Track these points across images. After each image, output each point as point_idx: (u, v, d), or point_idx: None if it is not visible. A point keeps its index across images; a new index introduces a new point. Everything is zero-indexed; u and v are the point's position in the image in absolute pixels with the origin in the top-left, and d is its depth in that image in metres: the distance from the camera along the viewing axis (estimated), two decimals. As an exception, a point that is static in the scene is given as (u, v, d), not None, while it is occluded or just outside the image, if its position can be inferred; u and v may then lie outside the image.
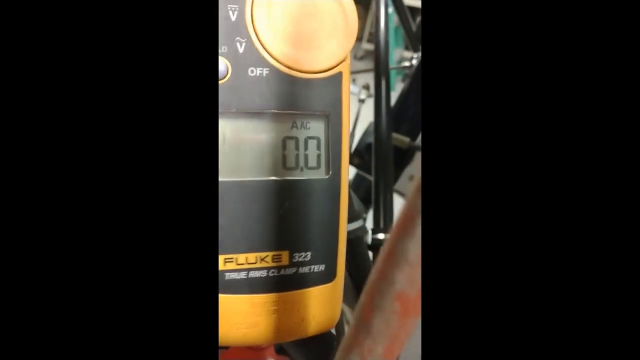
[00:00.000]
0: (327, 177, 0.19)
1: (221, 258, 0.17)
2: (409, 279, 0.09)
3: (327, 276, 0.19)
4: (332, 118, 0.19)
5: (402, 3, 0.66)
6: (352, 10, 0.19)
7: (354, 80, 1.19)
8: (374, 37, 0.54)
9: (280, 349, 0.26)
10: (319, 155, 0.19)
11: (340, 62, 0.19)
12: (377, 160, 0.47)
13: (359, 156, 0.68)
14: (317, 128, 0.19)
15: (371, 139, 0.55)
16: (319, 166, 0.19)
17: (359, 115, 0.67)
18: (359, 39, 3.35)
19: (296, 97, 0.18)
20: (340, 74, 0.19)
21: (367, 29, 3.30)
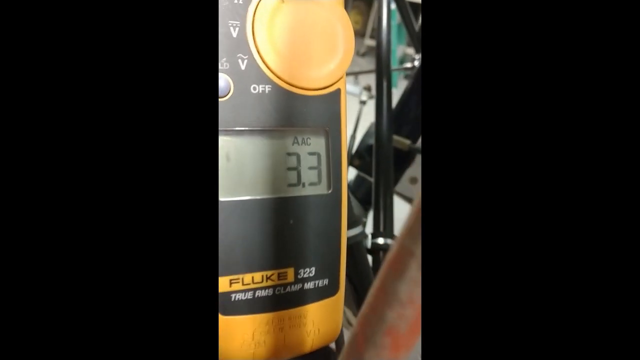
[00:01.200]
0: (328, 192, 0.19)
1: (226, 279, 0.17)
2: (399, 316, 0.09)
3: (331, 290, 0.20)
4: (332, 133, 0.19)
5: (404, 2, 0.65)
6: (349, 27, 0.19)
7: (355, 78, 1.19)
8: (376, 37, 0.54)
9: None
10: (319, 171, 0.19)
11: (339, 79, 0.19)
12: (378, 162, 0.47)
13: (360, 157, 0.68)
14: (317, 144, 0.19)
15: (372, 141, 0.55)
16: (320, 182, 0.19)
17: (360, 117, 0.67)
18: (362, 35, 3.34)
19: (297, 114, 0.18)
20: (338, 91, 0.19)
21: (370, 25, 3.29)
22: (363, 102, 0.67)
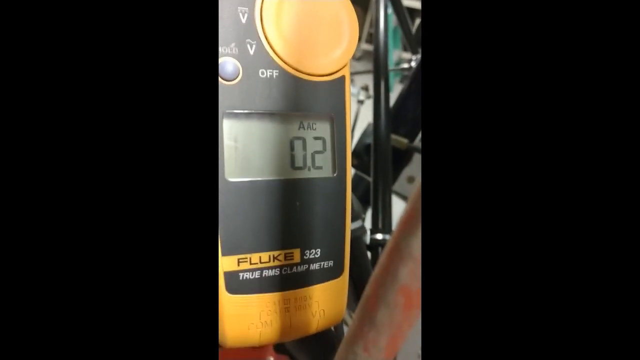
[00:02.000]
0: (334, 175, 0.20)
1: (234, 258, 0.17)
2: (412, 273, 0.09)
3: (336, 271, 0.20)
4: (337, 119, 0.20)
5: (401, 5, 0.66)
6: (353, 16, 0.19)
7: (352, 81, 1.20)
8: (373, 39, 0.55)
9: (279, 348, 0.26)
10: (325, 155, 0.20)
11: (344, 66, 0.19)
12: (376, 161, 0.47)
13: (358, 157, 0.69)
14: (323, 129, 0.20)
15: (370, 140, 0.55)
16: (325, 165, 0.20)
17: (358, 117, 0.68)
18: (358, 39, 3.35)
19: (303, 99, 0.19)
20: (343, 77, 0.20)
21: (366, 30, 3.31)
22: (361, 102, 0.68)
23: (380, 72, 0.53)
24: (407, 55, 0.71)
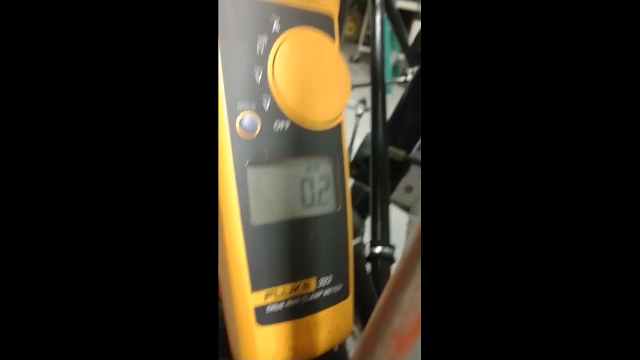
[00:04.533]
0: (338, 210, 0.22)
1: (262, 293, 0.20)
2: (404, 322, 0.12)
3: (344, 294, 0.22)
4: (337, 160, 0.22)
5: (400, 21, 0.68)
6: (346, 73, 0.22)
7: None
8: (370, 53, 0.57)
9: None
10: (329, 192, 0.22)
11: (340, 116, 0.22)
12: (375, 173, 0.49)
13: (357, 167, 0.71)
14: (326, 169, 0.22)
15: (368, 152, 0.57)
16: (330, 202, 0.22)
17: (357, 129, 0.70)
18: (356, 41, 3.38)
19: (310, 146, 0.21)
20: (340, 125, 0.22)
21: (363, 32, 3.33)
22: (359, 116, 0.70)
23: (378, 86, 0.55)
24: (404, 57, 0.73)
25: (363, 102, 0.70)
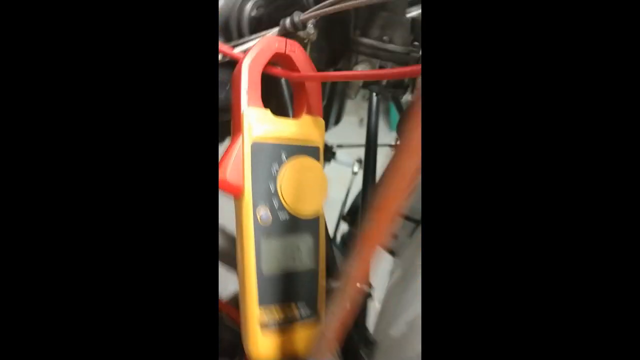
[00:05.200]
0: (314, 266, 0.36)
1: (264, 310, 0.33)
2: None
3: (313, 315, 0.35)
4: (315, 236, 0.36)
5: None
6: (326, 182, 0.36)
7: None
8: (366, 125, 0.69)
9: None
10: (310, 255, 0.36)
11: (319, 212, 0.36)
12: (364, 222, 0.60)
13: (351, 215, 0.85)
14: (309, 242, 0.36)
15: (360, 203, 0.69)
16: (310, 261, 0.36)
17: (352, 185, 0.84)
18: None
19: (301, 227, 0.35)
20: (318, 217, 0.36)
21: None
22: (355, 174, 0.84)
23: (370, 151, 0.68)
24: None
25: (359, 161, 0.83)
